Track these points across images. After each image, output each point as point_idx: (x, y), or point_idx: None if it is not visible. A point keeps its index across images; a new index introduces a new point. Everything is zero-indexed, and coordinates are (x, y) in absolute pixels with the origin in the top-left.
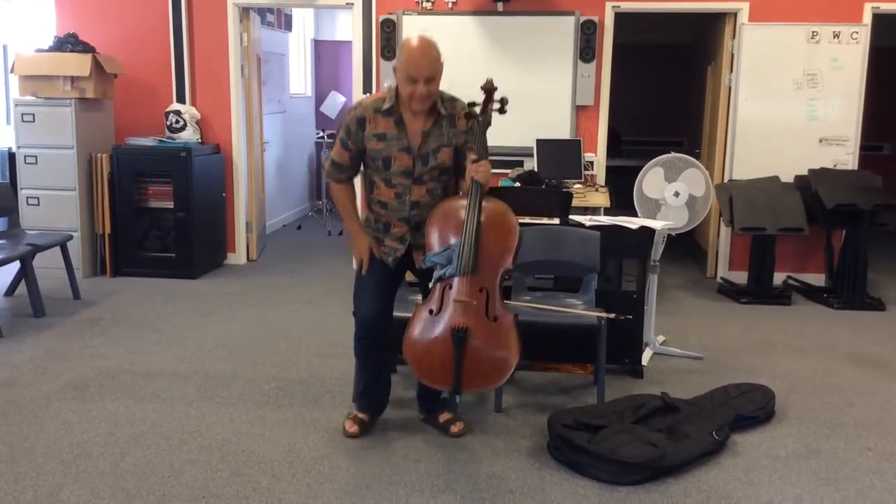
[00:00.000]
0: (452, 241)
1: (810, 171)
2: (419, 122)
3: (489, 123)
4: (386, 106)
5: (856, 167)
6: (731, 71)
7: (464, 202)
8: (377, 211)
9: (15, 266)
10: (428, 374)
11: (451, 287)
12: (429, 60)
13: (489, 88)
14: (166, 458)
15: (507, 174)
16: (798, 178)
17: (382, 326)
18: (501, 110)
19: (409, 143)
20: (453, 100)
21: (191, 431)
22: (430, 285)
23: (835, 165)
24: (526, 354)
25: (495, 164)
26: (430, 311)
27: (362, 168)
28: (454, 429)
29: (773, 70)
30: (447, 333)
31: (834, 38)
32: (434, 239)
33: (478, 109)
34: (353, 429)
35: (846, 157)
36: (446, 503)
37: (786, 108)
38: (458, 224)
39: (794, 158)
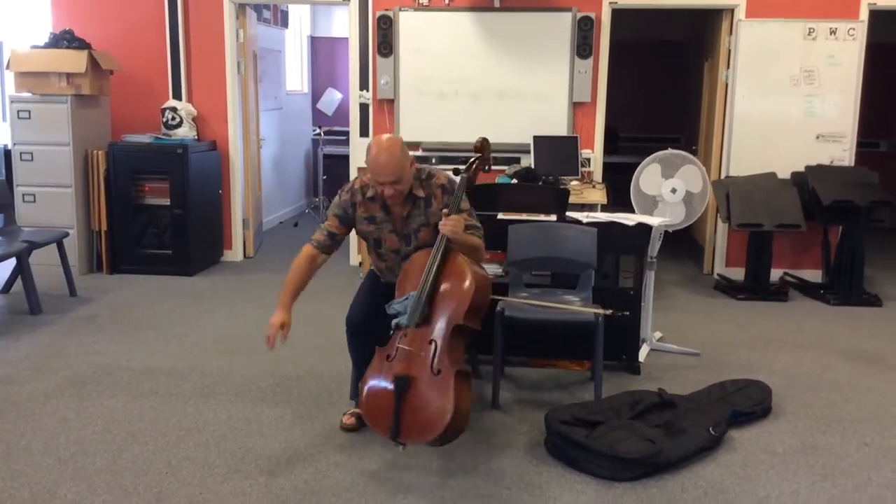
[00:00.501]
0: (411, 291)
1: (807, 167)
2: (399, 207)
3: (472, 181)
4: (370, 194)
5: (852, 164)
6: (728, 67)
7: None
8: (378, 268)
9: (11, 263)
10: (373, 418)
11: (405, 336)
12: (392, 166)
13: (480, 147)
14: (164, 454)
15: (504, 171)
16: (795, 174)
17: (369, 328)
18: (487, 169)
19: (394, 226)
20: (430, 177)
21: (188, 428)
22: (391, 333)
23: (831, 162)
24: (523, 351)
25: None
26: (387, 357)
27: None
28: None
29: (769, 66)
30: (390, 380)
31: (831, 34)
32: (400, 288)
33: (465, 167)
34: (350, 421)
35: (843, 153)
36: (444, 499)
37: (783, 104)
38: (420, 275)
39: (790, 155)
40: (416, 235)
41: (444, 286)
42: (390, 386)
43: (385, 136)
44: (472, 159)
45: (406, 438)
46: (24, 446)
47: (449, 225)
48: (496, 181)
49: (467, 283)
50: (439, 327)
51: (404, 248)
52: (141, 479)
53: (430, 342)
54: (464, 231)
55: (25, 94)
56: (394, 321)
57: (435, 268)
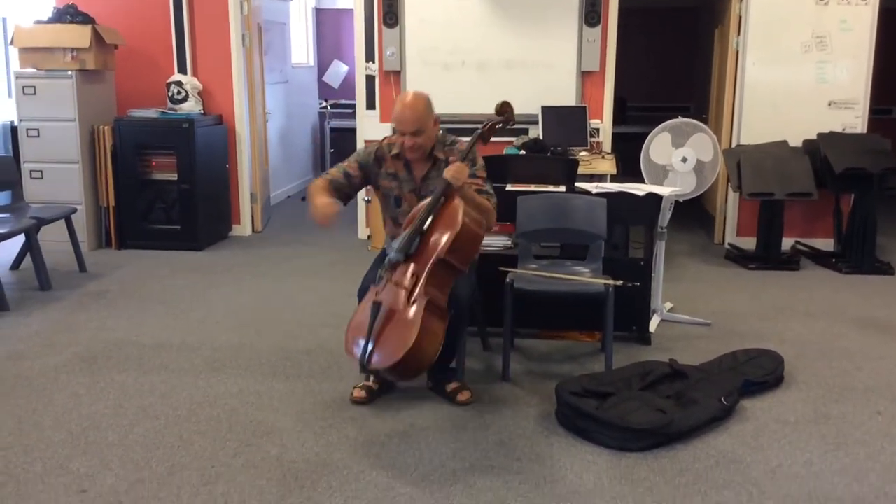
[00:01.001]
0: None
1: (819, 135)
2: (420, 167)
3: (487, 138)
4: (394, 151)
5: (865, 131)
6: (739, 34)
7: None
8: (393, 236)
9: (20, 240)
10: (349, 343)
11: (395, 271)
12: (414, 117)
13: (499, 111)
14: (175, 429)
15: (512, 142)
16: (806, 142)
17: None
18: (502, 130)
19: (415, 185)
20: (453, 143)
21: (199, 402)
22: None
23: (844, 129)
24: (533, 323)
25: (500, 132)
26: (376, 292)
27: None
28: (461, 398)
29: (781, 33)
30: (368, 306)
31: None
32: (404, 230)
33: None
34: (361, 394)
35: (855, 120)
36: (455, 471)
37: (794, 71)
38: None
39: (802, 122)
40: None
41: (435, 224)
42: (367, 311)
43: (413, 91)
44: (491, 120)
45: (371, 364)
46: (35, 422)
47: (451, 170)
48: (504, 152)
49: (456, 220)
50: (424, 260)
51: None
52: (153, 454)
53: (413, 275)
54: (473, 191)
55: (30, 70)
56: (387, 258)
57: (432, 210)
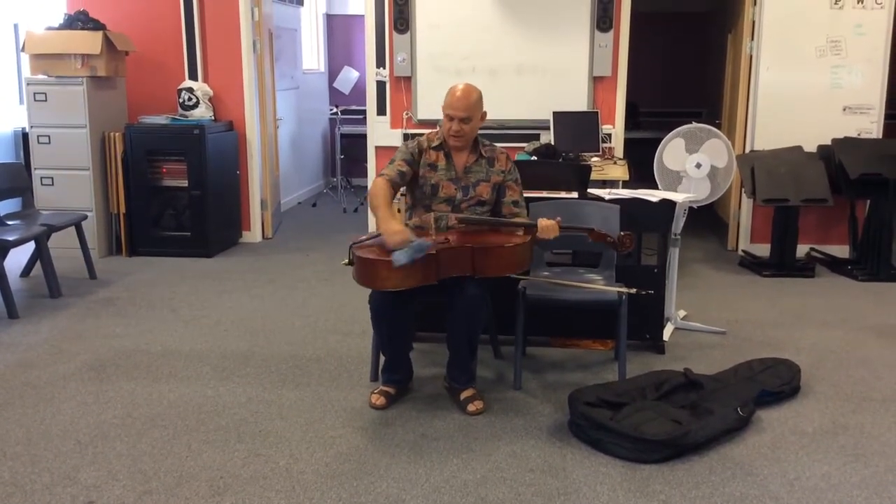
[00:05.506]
0: None
1: (833, 140)
2: (462, 158)
3: (593, 237)
4: (436, 143)
5: (880, 136)
6: (753, 38)
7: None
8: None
9: (30, 247)
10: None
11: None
12: (466, 104)
13: (621, 239)
14: (183, 438)
15: (524, 148)
16: (821, 147)
17: (395, 307)
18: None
19: (455, 175)
20: (493, 147)
21: (208, 412)
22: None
23: (859, 134)
24: (545, 331)
25: (511, 138)
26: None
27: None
28: (471, 408)
29: (795, 37)
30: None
31: (858, 3)
32: None
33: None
34: (380, 401)
35: (870, 125)
36: (466, 482)
37: (808, 76)
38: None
39: (816, 128)
40: (474, 188)
41: (496, 232)
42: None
43: (465, 83)
44: (611, 238)
45: (354, 246)
46: (43, 431)
47: (547, 225)
48: (516, 159)
49: (510, 241)
50: (459, 239)
51: (460, 196)
52: (161, 464)
53: (445, 239)
54: (514, 206)
55: (41, 77)
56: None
57: (506, 225)
